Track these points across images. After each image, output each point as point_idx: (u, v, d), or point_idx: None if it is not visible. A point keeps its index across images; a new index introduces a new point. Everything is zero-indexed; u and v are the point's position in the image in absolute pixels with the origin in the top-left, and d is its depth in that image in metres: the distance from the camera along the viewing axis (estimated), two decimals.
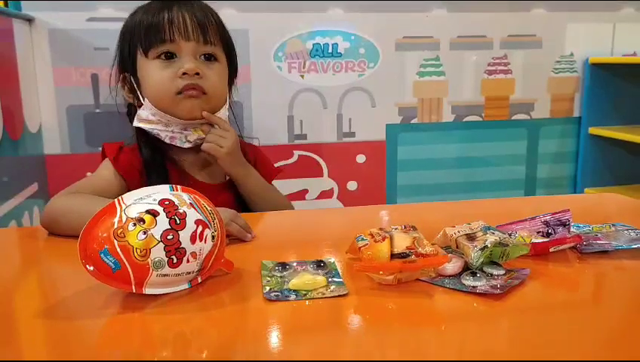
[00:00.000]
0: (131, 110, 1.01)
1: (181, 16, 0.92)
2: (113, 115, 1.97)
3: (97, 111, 1.90)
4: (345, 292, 0.55)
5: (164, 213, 0.54)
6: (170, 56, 0.93)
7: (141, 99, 0.96)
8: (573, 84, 2.23)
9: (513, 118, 2.20)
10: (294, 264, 0.62)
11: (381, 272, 0.56)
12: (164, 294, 0.55)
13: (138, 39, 0.94)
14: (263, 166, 1.07)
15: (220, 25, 0.98)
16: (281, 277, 0.59)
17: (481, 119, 2.18)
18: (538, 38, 2.15)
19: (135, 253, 0.52)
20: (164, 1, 0.95)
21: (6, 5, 1.59)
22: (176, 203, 0.56)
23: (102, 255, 0.52)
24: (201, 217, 0.56)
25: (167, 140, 0.95)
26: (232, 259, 0.63)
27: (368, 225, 0.87)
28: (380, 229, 0.62)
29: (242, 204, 1.01)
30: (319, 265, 0.61)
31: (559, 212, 0.70)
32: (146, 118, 0.95)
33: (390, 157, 2.18)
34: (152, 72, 0.93)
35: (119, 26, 1.03)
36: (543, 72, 2.18)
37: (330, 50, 2.02)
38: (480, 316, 0.52)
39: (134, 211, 0.53)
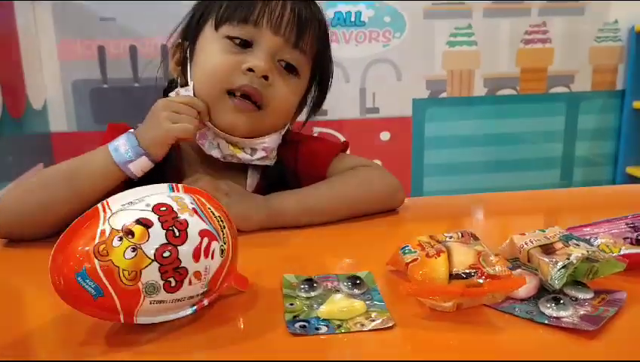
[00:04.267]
0: (171, 88, 0.80)
1: (281, 2, 0.72)
2: (122, 91, 1.88)
3: (105, 86, 1.80)
4: (390, 324, 0.43)
5: (160, 223, 0.42)
6: (244, 44, 0.72)
7: (188, 77, 0.75)
8: (617, 55, 2.06)
9: (551, 91, 2.04)
10: (324, 281, 0.50)
11: (437, 297, 0.44)
12: (161, 323, 0.44)
13: (217, 6, 0.74)
14: (310, 157, 0.83)
15: (324, 35, 0.78)
16: (307, 298, 0.47)
17: (515, 93, 2.02)
18: (580, 4, 1.97)
19: (121, 276, 0.40)
20: None
21: None
22: (175, 208, 0.44)
23: (79, 278, 0.40)
24: (206, 227, 0.44)
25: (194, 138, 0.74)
26: (246, 272, 0.51)
27: (405, 222, 0.74)
28: (431, 238, 0.50)
29: None
30: (355, 282, 0.49)
31: None
32: None
33: (417, 135, 2.05)
34: (214, 50, 0.73)
35: None
36: (585, 42, 2.01)
37: (352, 19, 1.87)
38: (570, 358, 0.40)
39: (121, 220, 0.42)
